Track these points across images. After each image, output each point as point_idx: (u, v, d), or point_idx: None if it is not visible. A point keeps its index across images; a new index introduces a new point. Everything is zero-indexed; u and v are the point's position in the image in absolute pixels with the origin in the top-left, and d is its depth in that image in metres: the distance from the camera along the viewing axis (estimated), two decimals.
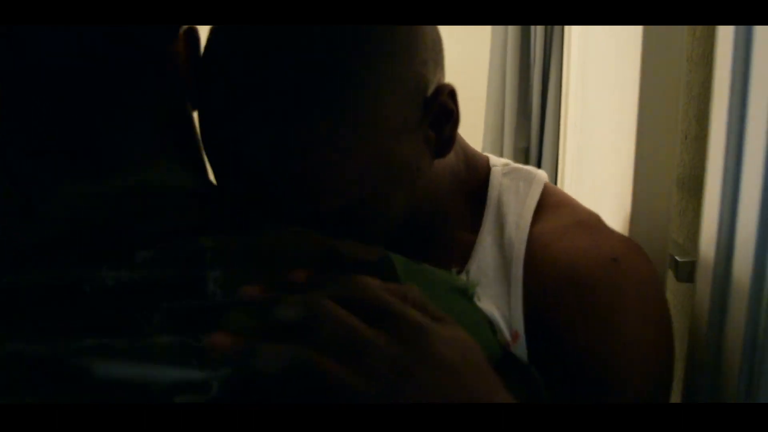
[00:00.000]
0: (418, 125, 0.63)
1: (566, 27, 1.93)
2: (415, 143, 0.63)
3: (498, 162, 0.81)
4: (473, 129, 3.09)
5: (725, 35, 0.72)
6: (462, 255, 0.75)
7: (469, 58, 2.77)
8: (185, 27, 0.55)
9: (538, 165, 2.63)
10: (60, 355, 0.39)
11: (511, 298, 0.70)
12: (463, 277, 0.71)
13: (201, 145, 0.59)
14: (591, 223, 0.75)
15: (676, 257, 0.85)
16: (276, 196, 0.58)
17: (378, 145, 0.59)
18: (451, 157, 0.72)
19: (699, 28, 1.00)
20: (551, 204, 0.76)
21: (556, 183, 2.46)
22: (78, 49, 0.46)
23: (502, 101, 2.56)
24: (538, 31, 2.45)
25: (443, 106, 0.63)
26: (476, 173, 0.79)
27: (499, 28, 2.51)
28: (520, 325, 0.70)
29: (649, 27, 0.79)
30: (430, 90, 0.62)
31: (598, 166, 1.18)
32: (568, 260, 0.70)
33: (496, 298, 0.71)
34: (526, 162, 2.62)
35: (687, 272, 0.83)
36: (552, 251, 0.71)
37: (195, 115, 0.59)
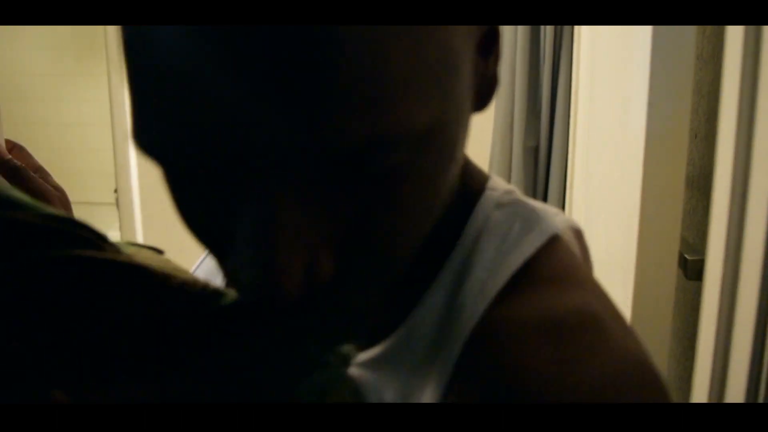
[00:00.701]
0: (470, 39, 0.41)
1: (575, 26, 1.93)
2: (468, 66, 0.41)
3: (499, 186, 0.53)
4: (482, 128, 3.09)
5: (734, 34, 0.73)
6: (397, 312, 0.49)
7: None
8: None
9: (548, 164, 2.63)
10: None
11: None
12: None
13: None
14: (584, 328, 0.43)
15: (686, 255, 0.85)
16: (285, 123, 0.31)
17: (436, 39, 0.36)
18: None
19: (708, 26, 1.00)
20: (548, 275, 0.47)
21: (565, 183, 2.46)
22: None
23: (511, 100, 2.56)
24: (547, 30, 2.45)
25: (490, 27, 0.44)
26: (463, 195, 0.51)
27: (508, 27, 2.52)
28: None
29: (659, 26, 0.79)
30: None
31: (607, 165, 1.18)
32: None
33: (425, 378, 0.46)
34: (536, 162, 2.62)
35: (696, 270, 0.83)
36: (506, 364, 0.42)
37: None
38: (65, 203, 0.70)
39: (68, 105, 2.50)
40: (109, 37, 2.50)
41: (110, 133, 2.53)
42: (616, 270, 0.91)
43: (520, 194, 0.55)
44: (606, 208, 0.77)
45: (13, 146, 0.71)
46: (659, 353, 0.80)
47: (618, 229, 0.94)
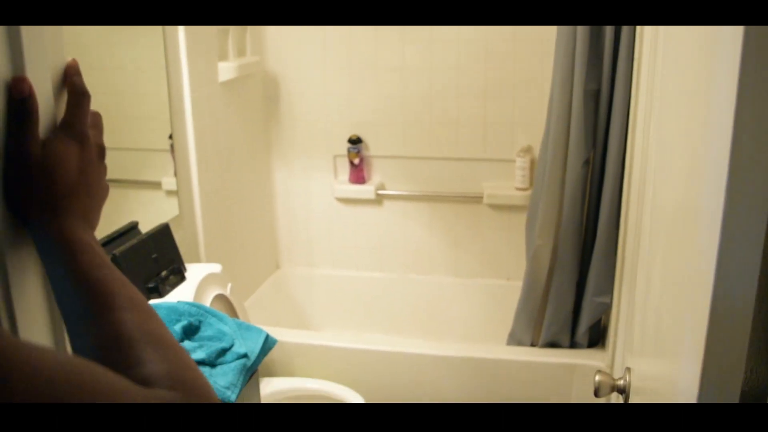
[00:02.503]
0: None
1: None
2: None
3: None
4: (541, 71, 3.01)
5: None
6: None
7: None
8: None
9: (609, 108, 2.54)
10: None
11: None
12: None
13: None
14: None
15: None
16: None
17: None
18: None
19: None
20: None
21: (627, 129, 2.38)
22: None
23: (573, 42, 2.46)
24: None
25: None
26: None
27: None
28: None
29: None
30: None
31: (671, 111, 1.12)
32: None
33: None
34: (597, 106, 2.54)
35: None
36: None
37: None
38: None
39: (123, 50, 2.50)
40: None
41: (165, 79, 2.52)
42: (685, 219, 0.86)
43: None
44: (664, 159, 0.73)
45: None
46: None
47: (685, 174, 0.89)
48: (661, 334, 0.99)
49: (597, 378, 1.32)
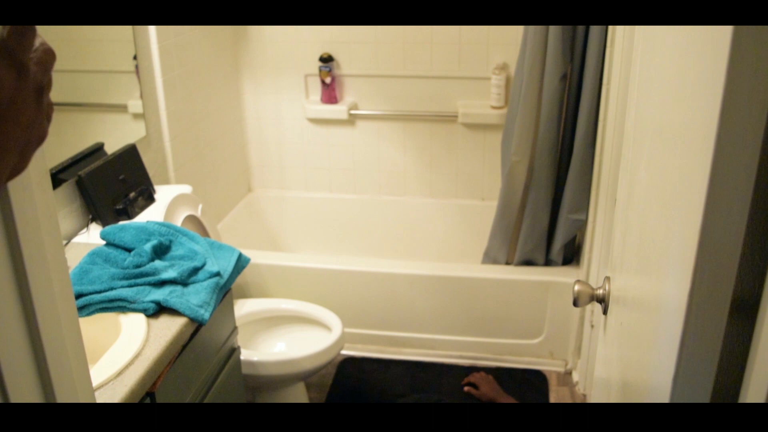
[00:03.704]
0: None
1: None
2: None
3: None
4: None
5: None
6: None
7: None
8: None
9: (579, 90, 2.48)
10: None
11: None
12: None
13: None
14: None
15: None
16: None
17: None
18: None
19: None
20: None
21: (605, 39, 2.33)
22: None
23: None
24: None
25: None
26: None
27: None
28: None
29: None
30: None
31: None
32: None
33: None
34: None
35: None
36: None
37: None
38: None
39: None
40: None
41: None
42: (674, 135, 0.83)
43: None
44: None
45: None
46: None
47: (675, 86, 0.84)
48: (645, 249, 0.96)
49: (576, 288, 1.31)
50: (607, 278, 1.32)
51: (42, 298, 0.70)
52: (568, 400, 2.72)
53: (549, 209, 2.77)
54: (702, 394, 0.71)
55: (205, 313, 1.63)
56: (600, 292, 1.32)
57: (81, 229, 2.16)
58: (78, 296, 1.61)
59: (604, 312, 1.33)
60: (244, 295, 2.90)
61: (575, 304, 1.32)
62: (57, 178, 2.06)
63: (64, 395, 0.77)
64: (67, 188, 2.10)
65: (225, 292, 1.83)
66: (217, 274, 1.75)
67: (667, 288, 0.78)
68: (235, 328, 1.99)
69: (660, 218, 0.87)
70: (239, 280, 2.89)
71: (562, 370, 2.89)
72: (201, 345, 1.72)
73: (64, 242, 2.07)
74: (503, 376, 2.82)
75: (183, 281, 1.69)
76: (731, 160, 0.62)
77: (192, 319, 1.61)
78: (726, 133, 0.61)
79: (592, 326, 2.61)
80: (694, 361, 0.71)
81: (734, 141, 0.61)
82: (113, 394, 1.34)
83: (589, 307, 2.66)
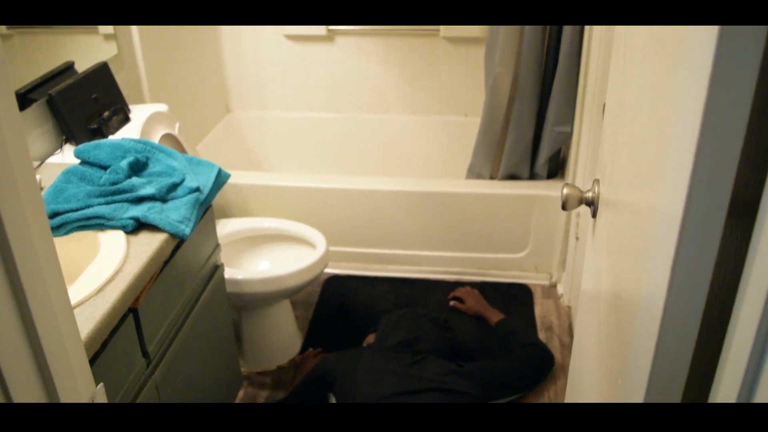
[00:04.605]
0: None
1: None
2: None
3: None
4: None
5: None
6: None
7: None
8: None
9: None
10: None
11: None
12: None
13: None
14: None
15: None
16: None
17: None
18: None
19: None
20: None
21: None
22: None
23: None
24: None
25: None
26: None
27: None
28: None
29: None
30: None
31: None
32: None
33: None
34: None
35: None
36: None
37: None
38: None
39: None
40: None
41: None
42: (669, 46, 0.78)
43: None
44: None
45: None
46: None
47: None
48: (638, 159, 0.93)
49: (564, 191, 1.28)
50: (596, 180, 1.29)
51: (13, 221, 0.68)
52: (553, 313, 2.74)
53: (534, 122, 2.73)
54: (696, 304, 0.69)
55: (185, 229, 1.59)
56: (589, 194, 1.29)
57: (55, 150, 2.10)
58: (54, 215, 1.57)
59: (594, 215, 1.31)
60: (226, 215, 2.87)
61: (564, 207, 1.29)
62: (27, 98, 1.99)
63: (38, 311, 0.74)
64: (38, 108, 2.03)
65: (206, 208, 1.79)
66: (197, 189, 1.71)
67: (661, 192, 0.75)
68: (217, 245, 1.96)
69: (654, 121, 0.83)
70: (221, 200, 2.85)
71: (546, 283, 2.90)
72: (183, 262, 1.70)
73: (37, 163, 2.01)
74: (489, 290, 2.83)
75: (162, 197, 1.65)
76: (733, 58, 0.58)
77: (172, 235, 1.58)
78: (728, 36, 0.58)
79: (577, 239, 2.61)
80: (689, 268, 0.68)
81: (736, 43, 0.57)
82: (94, 310, 1.32)
83: (574, 219, 2.66)
